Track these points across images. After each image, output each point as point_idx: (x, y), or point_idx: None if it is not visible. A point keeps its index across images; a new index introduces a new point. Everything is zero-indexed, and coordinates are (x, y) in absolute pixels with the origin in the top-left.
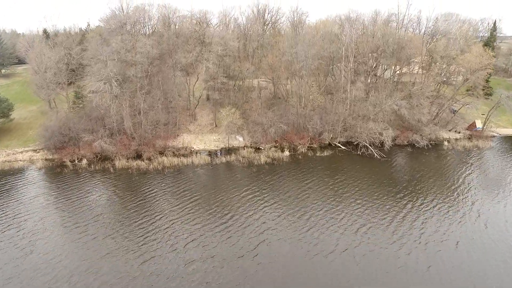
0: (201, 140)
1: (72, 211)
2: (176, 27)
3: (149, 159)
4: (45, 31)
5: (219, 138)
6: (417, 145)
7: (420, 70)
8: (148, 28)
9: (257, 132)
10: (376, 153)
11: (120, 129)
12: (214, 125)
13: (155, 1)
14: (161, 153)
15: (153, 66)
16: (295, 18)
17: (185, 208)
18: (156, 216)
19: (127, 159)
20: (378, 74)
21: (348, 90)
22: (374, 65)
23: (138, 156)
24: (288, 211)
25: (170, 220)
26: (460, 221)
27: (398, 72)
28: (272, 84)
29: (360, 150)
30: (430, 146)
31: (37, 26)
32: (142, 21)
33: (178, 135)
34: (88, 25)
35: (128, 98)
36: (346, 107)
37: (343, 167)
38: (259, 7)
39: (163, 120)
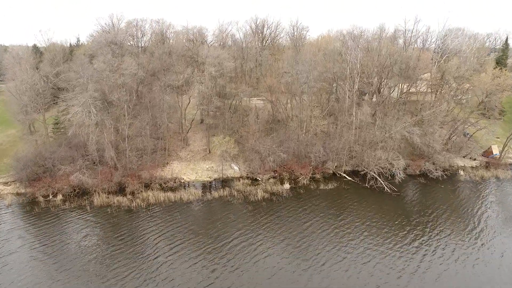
0: (192, 169)
1: (35, 262)
2: (171, 42)
3: (133, 193)
4: (35, 46)
5: (212, 166)
6: (431, 175)
7: (429, 89)
8: (141, 44)
9: (254, 161)
10: (387, 187)
11: (102, 158)
12: (208, 151)
13: (149, 15)
14: (147, 186)
15: (142, 86)
16: (295, 33)
17: (165, 261)
18: (132, 270)
19: (108, 194)
20: (384, 94)
21: (354, 114)
22: (379, 84)
23: (121, 190)
24: (285, 265)
25: (148, 274)
26: (482, 274)
27: (405, 91)
28: (271, 104)
29: (369, 182)
30: (445, 176)
31: (28, 40)
32: (134, 37)
33: (167, 163)
34: (78, 40)
35: (112, 124)
36: (352, 132)
37: (349, 204)
38: (258, 23)
39: (151, 146)
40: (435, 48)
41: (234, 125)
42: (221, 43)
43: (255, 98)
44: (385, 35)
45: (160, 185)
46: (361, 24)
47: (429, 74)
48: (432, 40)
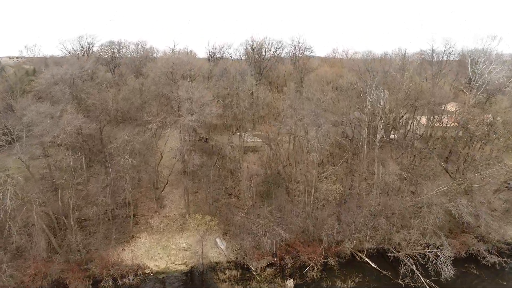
0: (164, 247)
1: None
2: (148, 75)
3: None
4: None
5: (190, 245)
6: (483, 261)
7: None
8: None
9: (246, 241)
10: (429, 286)
11: (34, 244)
12: (187, 216)
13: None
14: (98, 282)
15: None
16: (297, 53)
17: None
18: None
19: None
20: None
21: (376, 173)
22: (399, 119)
23: None
24: None
25: None
26: None
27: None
28: (268, 141)
29: (402, 279)
30: (503, 264)
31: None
32: (109, 63)
33: (132, 237)
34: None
35: (48, 199)
36: (374, 197)
37: None
38: (254, 46)
39: (110, 216)
40: (473, 81)
41: (220, 189)
42: (208, 76)
43: (249, 136)
44: (408, 64)
45: (115, 280)
46: (369, 44)
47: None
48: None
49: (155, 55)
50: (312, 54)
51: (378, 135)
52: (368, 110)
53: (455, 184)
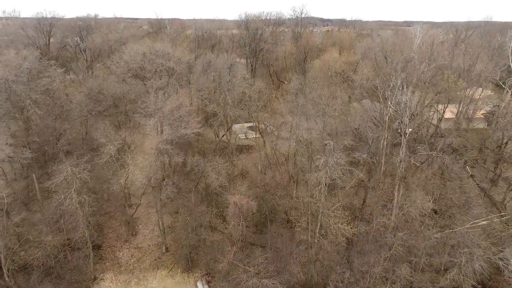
0: None
1: None
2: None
3: None
4: None
5: None
6: None
7: None
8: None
9: None
10: None
11: None
12: (164, 249)
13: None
14: None
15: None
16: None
17: None
18: None
19: None
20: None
21: (395, 202)
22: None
23: None
24: None
25: None
26: None
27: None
28: (264, 137)
29: None
30: None
31: None
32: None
33: (94, 279)
34: None
35: None
36: (392, 234)
37: None
38: (248, 22)
39: (62, 256)
40: None
41: (202, 217)
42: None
43: (243, 131)
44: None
45: None
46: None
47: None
48: None
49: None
50: (315, 30)
51: (401, 152)
52: (389, 118)
53: (500, 219)
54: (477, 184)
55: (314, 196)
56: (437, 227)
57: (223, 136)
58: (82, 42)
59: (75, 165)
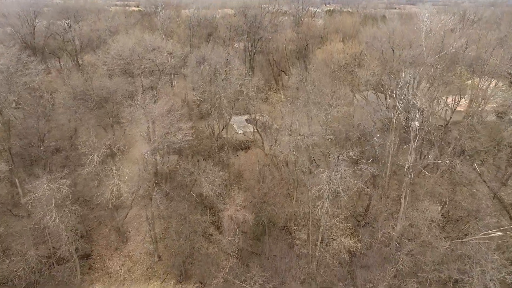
0: None
1: None
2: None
3: None
4: None
5: None
6: None
7: None
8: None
9: None
10: None
11: None
12: (157, 257)
13: None
14: None
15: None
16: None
17: None
18: None
19: None
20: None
21: (401, 212)
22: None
23: None
24: None
25: None
26: None
27: None
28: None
29: None
30: None
31: None
32: None
33: None
34: None
35: None
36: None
37: None
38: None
39: (47, 269)
40: None
41: (195, 228)
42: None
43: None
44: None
45: None
46: None
47: None
48: None
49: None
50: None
51: (409, 157)
52: (397, 119)
53: None
54: (484, 181)
55: (316, 207)
56: (446, 237)
57: (218, 134)
58: (70, 30)
59: (52, 179)
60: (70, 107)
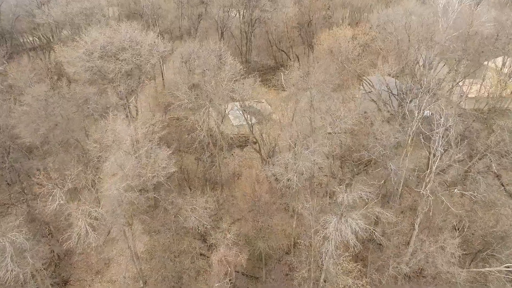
0: None
1: None
2: None
3: None
4: None
5: None
6: None
7: None
8: None
9: None
10: None
11: None
12: (141, 284)
13: None
14: None
15: None
16: None
17: None
18: None
19: None
20: None
21: (412, 242)
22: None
23: None
24: None
25: None
26: None
27: None
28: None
29: None
30: None
31: None
32: None
33: None
34: None
35: None
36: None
37: None
38: None
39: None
40: None
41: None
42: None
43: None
44: None
45: None
46: None
47: None
48: None
49: None
50: None
51: (426, 181)
52: (413, 132)
53: None
54: (502, 184)
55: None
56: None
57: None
58: (39, 12)
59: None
60: (30, 123)
